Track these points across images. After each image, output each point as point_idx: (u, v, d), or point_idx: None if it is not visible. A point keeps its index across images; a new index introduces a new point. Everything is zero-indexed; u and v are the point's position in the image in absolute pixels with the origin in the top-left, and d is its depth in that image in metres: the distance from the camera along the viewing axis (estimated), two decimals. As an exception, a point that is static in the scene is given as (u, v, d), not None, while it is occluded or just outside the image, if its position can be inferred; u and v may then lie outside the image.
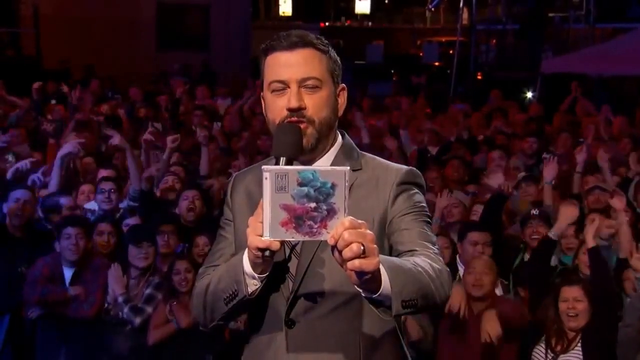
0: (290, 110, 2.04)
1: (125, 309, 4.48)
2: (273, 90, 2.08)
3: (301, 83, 2.05)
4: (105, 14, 16.55)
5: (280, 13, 28.20)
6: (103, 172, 6.07)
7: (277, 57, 2.07)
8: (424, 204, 2.13)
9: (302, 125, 2.04)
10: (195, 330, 4.25)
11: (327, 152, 2.15)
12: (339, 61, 2.16)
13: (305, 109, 2.05)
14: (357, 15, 29.12)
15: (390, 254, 2.02)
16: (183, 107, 10.80)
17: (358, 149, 2.21)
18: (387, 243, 2.07)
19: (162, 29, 17.87)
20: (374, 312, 1.89)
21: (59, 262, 4.69)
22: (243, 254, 1.97)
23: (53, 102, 10.75)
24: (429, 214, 2.14)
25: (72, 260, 4.65)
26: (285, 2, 27.80)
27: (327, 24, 28.43)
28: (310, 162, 2.10)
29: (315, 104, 2.06)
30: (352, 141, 2.22)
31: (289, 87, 2.06)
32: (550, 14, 17.41)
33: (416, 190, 2.12)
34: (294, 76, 2.05)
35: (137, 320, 4.47)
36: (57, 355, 4.65)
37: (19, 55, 16.18)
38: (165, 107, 10.83)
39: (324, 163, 2.13)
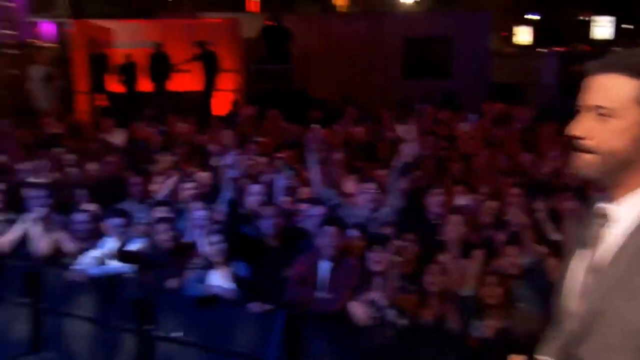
0: (568, 136, 1.86)
1: (388, 311, 4.59)
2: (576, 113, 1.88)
3: (591, 110, 1.82)
4: (360, 50, 17.34)
5: (519, 41, 27.48)
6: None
7: (585, 80, 1.87)
8: None
9: (583, 155, 1.81)
10: (438, 330, 4.28)
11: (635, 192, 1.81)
12: None
13: (585, 138, 1.82)
14: (594, 40, 27.47)
15: None
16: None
17: None
18: None
19: (408, 60, 18.26)
20: None
21: (316, 257, 5.02)
22: None
23: (317, 126, 11.47)
24: None
25: (330, 255, 4.96)
26: (523, 31, 27.02)
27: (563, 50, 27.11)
28: (611, 196, 1.83)
29: (602, 134, 1.80)
30: None
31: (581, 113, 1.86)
32: None
33: None
34: (585, 102, 1.84)
35: (403, 322, 4.55)
36: (322, 351, 4.89)
37: (289, 87, 17.42)
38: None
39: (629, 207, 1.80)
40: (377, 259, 4.73)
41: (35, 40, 16.39)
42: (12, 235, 6.34)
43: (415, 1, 24.80)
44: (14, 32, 15.39)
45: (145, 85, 14.70)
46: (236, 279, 5.26)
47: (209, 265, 5.36)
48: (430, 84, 16.74)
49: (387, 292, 4.67)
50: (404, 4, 24.50)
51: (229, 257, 5.35)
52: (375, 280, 4.75)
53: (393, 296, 4.63)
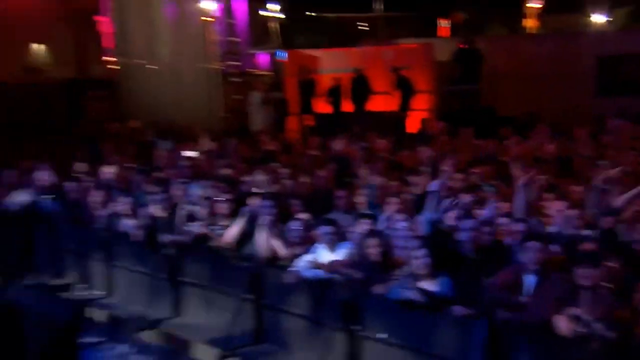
0: None
1: (596, 325, 4.36)
2: None
3: None
4: (550, 69, 16.56)
5: None
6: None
7: None
8: None
9: None
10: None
11: None
12: None
13: None
14: None
15: None
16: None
17: None
18: None
19: (601, 78, 17.13)
20: None
21: (521, 270, 4.83)
22: None
23: (510, 142, 11.05)
24: None
25: (534, 269, 4.76)
26: None
27: None
28: None
29: None
30: None
31: None
32: None
33: None
34: None
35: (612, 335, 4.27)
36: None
37: (477, 106, 17.00)
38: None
39: None
40: (586, 275, 4.44)
41: (254, 70, 17.55)
42: (233, 230, 6.79)
43: (608, 20, 23.10)
44: (238, 63, 16.61)
45: (347, 106, 15.15)
46: (439, 293, 5.20)
47: (414, 277, 5.34)
48: (625, 102, 15.51)
49: (595, 307, 4.36)
50: (595, 23, 22.92)
51: (433, 272, 5.31)
52: (583, 295, 4.45)
53: (602, 311, 4.31)
